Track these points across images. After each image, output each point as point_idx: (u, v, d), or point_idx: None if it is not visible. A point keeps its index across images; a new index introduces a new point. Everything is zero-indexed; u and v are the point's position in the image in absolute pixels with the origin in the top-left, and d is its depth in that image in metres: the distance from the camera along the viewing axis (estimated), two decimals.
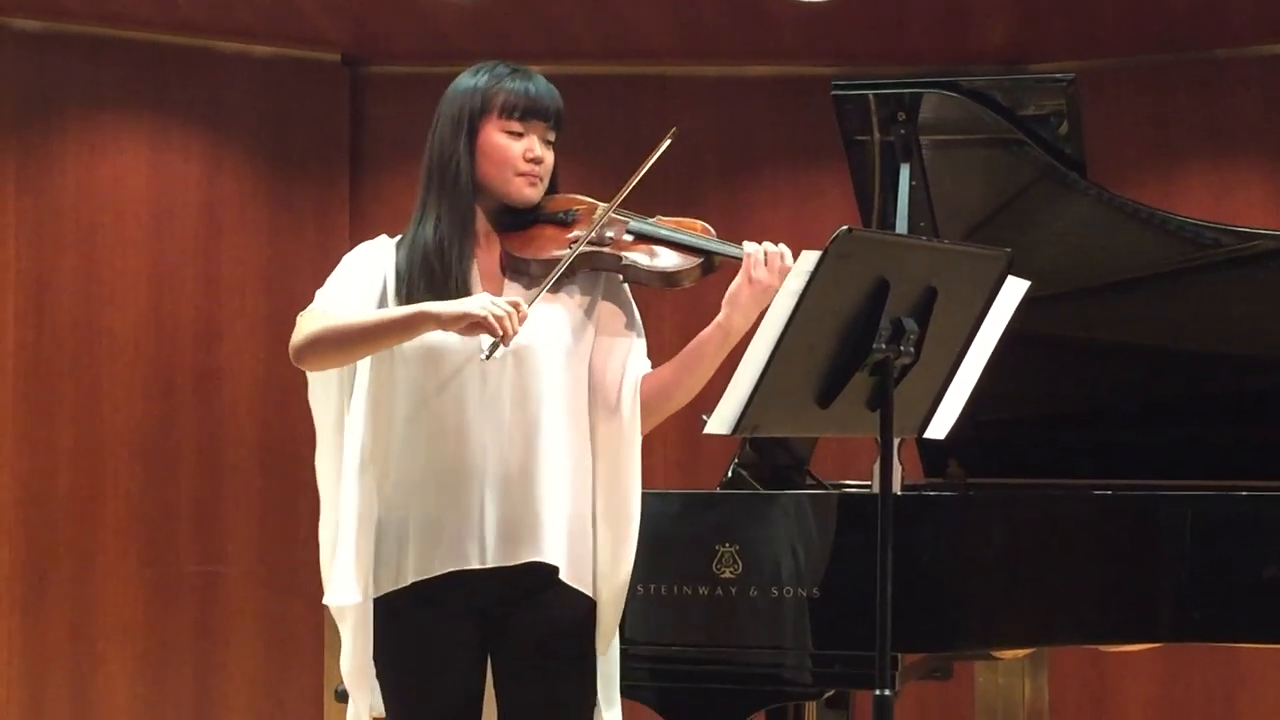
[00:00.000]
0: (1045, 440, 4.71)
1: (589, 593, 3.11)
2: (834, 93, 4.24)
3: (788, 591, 3.75)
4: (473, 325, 2.92)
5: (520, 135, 3.13)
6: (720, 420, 2.98)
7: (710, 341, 3.12)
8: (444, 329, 2.96)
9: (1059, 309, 4.38)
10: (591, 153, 6.38)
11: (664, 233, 3.15)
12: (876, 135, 4.23)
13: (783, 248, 3.09)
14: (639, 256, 3.12)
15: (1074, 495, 4.13)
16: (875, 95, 4.19)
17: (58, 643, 6.31)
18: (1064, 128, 4.23)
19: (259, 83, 6.66)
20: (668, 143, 3.17)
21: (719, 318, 3.11)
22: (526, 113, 3.13)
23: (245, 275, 6.61)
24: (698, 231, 3.16)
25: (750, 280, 3.07)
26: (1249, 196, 6.49)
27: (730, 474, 4.25)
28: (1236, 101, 6.53)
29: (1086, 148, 4.28)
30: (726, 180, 6.83)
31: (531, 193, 3.14)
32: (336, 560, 3.08)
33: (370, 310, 3.04)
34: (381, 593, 3.08)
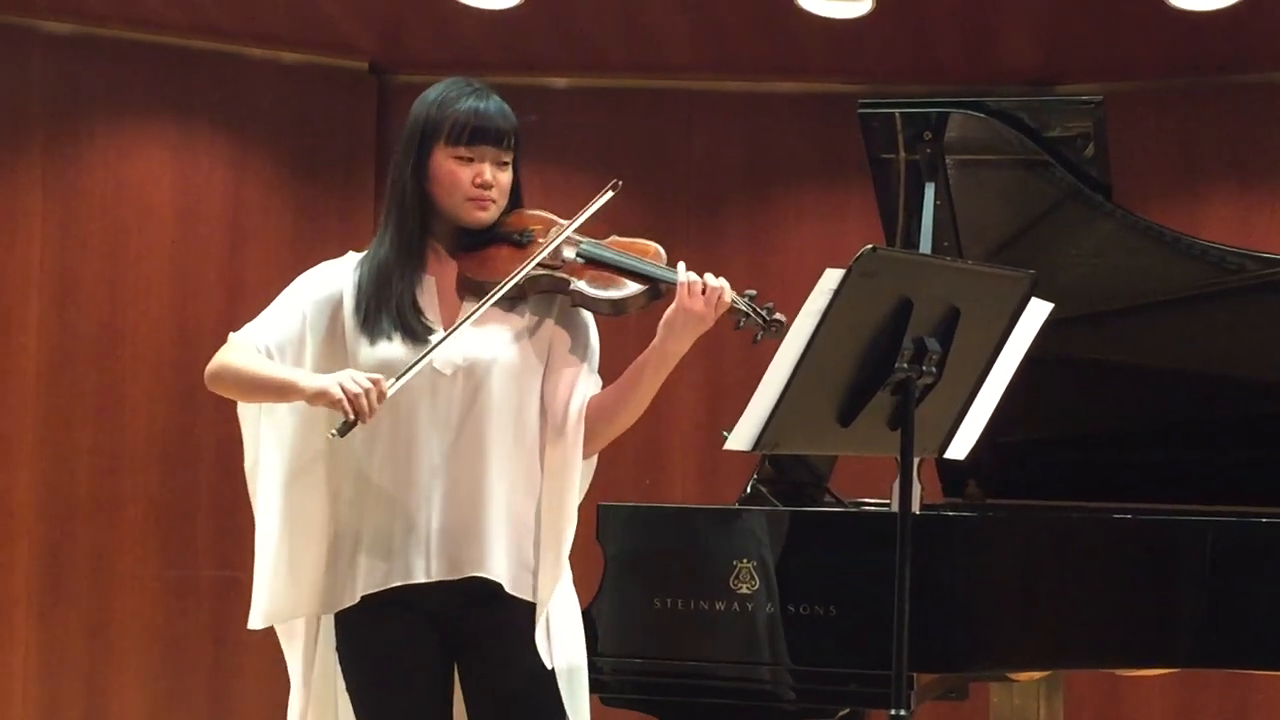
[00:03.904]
0: (1065, 462, 4.70)
1: (535, 601, 3.12)
2: (860, 111, 4.25)
3: (804, 608, 3.74)
4: (332, 403, 2.95)
5: (469, 160, 3.13)
6: (741, 437, 2.99)
7: (647, 364, 3.14)
8: (309, 402, 3.01)
9: (1082, 331, 4.38)
10: (614, 166, 6.38)
11: (611, 256, 3.15)
12: (902, 154, 4.23)
13: (722, 282, 3.08)
14: (586, 283, 3.12)
15: (1093, 518, 4.12)
16: (901, 114, 4.20)
17: (75, 644, 6.32)
18: (1090, 150, 4.23)
19: (286, 89, 6.67)
20: (611, 193, 3.15)
21: (654, 341, 3.12)
22: (474, 138, 3.12)
23: (268, 281, 6.56)
24: (649, 256, 3.16)
25: (683, 308, 3.07)
26: (1274, 221, 6.47)
27: (749, 490, 4.25)
28: (1263, 126, 6.51)
29: (1112, 170, 4.28)
30: (750, 197, 6.82)
31: (483, 216, 3.15)
32: (264, 579, 3.19)
33: (263, 363, 3.09)
34: (335, 609, 3.13)
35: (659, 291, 3.13)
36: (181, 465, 6.47)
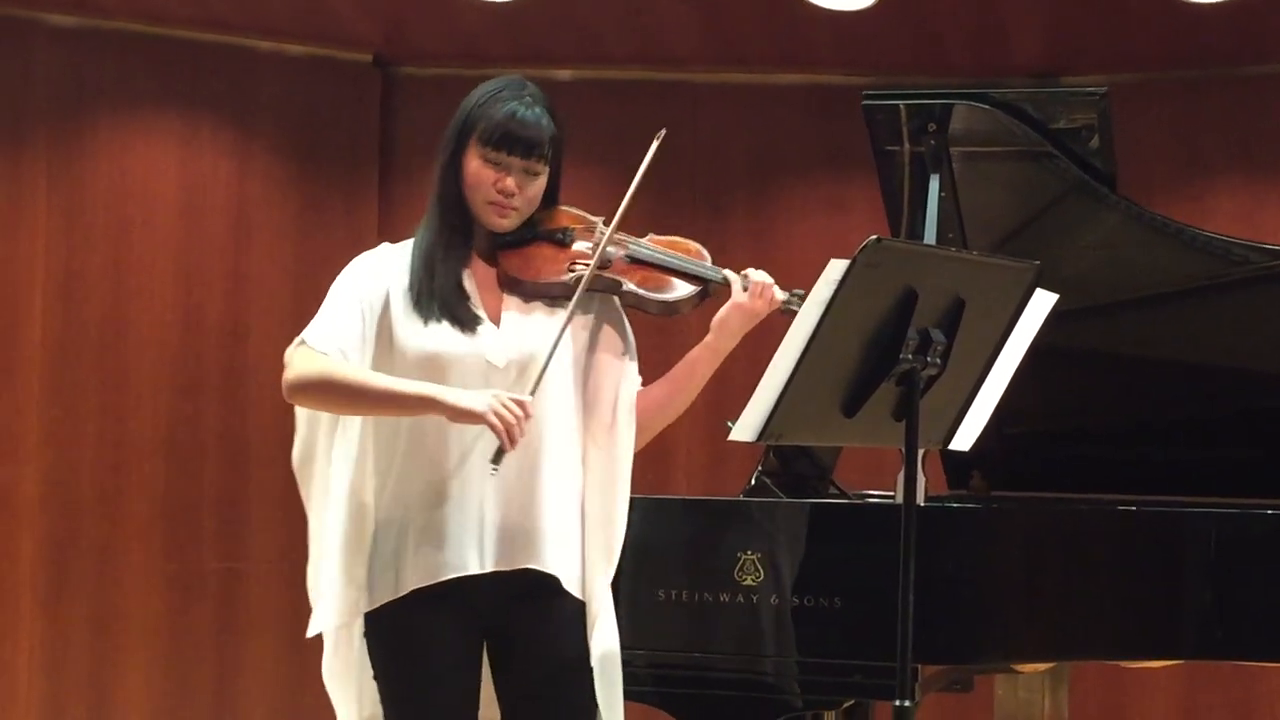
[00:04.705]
0: (1069, 454, 4.70)
1: (583, 597, 3.14)
2: (864, 102, 4.24)
3: (808, 600, 3.74)
4: (475, 420, 2.95)
5: (497, 164, 3.12)
6: (745, 427, 2.98)
7: (700, 361, 3.18)
8: (449, 419, 2.98)
9: (1086, 323, 4.37)
10: (619, 158, 6.38)
11: (661, 257, 3.17)
12: (906, 146, 4.23)
13: (774, 285, 3.15)
14: (638, 285, 3.15)
15: (1098, 510, 4.11)
16: (906, 105, 4.19)
17: (79, 636, 6.32)
18: (1095, 141, 4.22)
19: (291, 82, 6.68)
20: (656, 144, 3.16)
21: (708, 339, 3.17)
22: (502, 144, 3.11)
23: (273, 273, 6.63)
24: (692, 255, 3.19)
25: (738, 306, 3.12)
26: (1279, 213, 6.47)
27: (754, 482, 4.25)
28: (1269, 119, 6.51)
29: (1117, 162, 4.27)
30: (755, 189, 6.82)
31: (501, 222, 3.13)
32: (330, 580, 3.13)
33: (384, 376, 3.03)
34: (378, 604, 3.10)
35: (709, 292, 3.17)
36: (186, 459, 6.48)
